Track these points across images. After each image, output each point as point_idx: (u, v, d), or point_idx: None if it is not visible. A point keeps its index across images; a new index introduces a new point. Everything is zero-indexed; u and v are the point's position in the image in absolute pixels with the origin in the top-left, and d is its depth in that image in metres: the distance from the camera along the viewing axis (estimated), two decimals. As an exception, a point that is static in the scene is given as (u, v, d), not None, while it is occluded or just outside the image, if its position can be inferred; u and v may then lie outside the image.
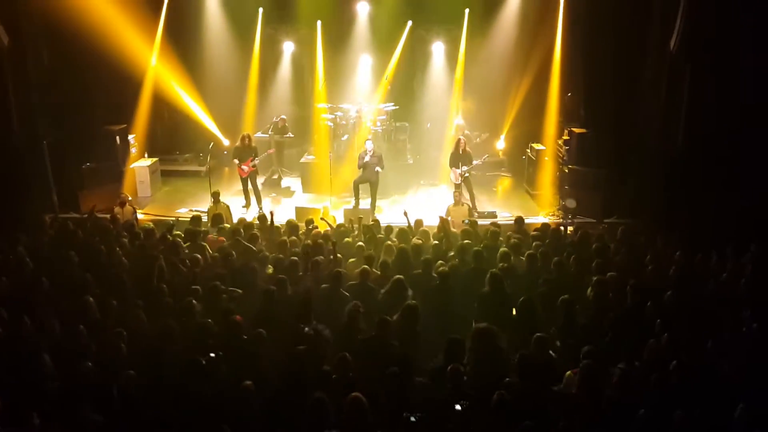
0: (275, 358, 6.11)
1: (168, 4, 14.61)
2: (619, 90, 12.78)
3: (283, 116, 15.15)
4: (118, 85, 13.75)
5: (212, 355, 5.95)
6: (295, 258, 8.18)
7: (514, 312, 7.07)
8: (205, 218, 11.12)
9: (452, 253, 8.63)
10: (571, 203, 12.43)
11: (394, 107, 15.03)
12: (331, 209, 12.12)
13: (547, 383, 5.67)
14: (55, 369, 5.90)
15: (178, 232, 9.61)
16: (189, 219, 10.38)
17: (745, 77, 10.97)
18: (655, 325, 6.61)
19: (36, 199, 12.13)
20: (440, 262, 8.18)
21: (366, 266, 7.76)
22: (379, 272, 7.96)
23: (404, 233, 9.58)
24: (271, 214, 10.20)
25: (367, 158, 12.63)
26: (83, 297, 6.95)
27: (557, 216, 12.40)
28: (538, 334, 6.08)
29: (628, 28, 12.42)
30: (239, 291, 7.63)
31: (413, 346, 6.35)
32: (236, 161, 12.94)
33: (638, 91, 12.72)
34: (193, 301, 6.97)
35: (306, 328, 6.45)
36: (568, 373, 5.79)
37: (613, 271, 7.83)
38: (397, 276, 7.41)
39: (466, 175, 12.69)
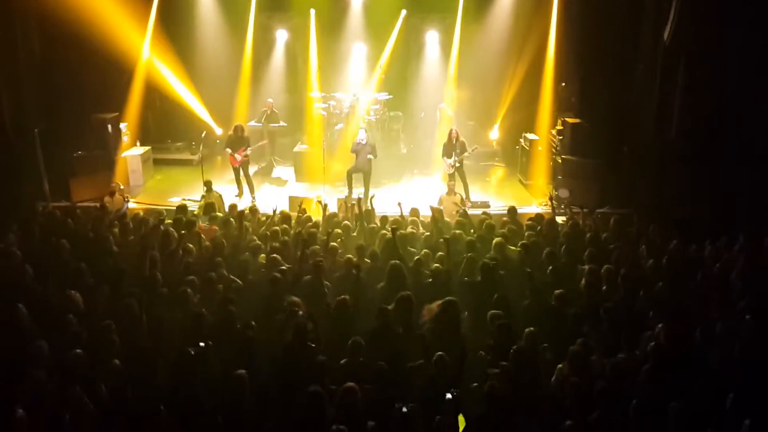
0: (271, 347, 6.10)
1: (160, -10, 14.47)
2: (613, 80, 12.78)
3: (270, 100, 15.09)
4: (109, 73, 13.63)
5: (202, 344, 5.93)
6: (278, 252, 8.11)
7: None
8: (193, 207, 11.06)
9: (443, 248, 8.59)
10: (564, 193, 12.45)
11: (388, 97, 14.98)
12: (325, 198, 12.06)
13: (538, 376, 5.68)
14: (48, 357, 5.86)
15: (170, 221, 9.56)
16: (175, 209, 10.27)
17: (738, 69, 10.96)
18: (647, 315, 6.64)
19: (27, 188, 12.02)
20: (426, 251, 8.16)
21: (352, 257, 7.74)
22: (369, 261, 7.95)
23: (398, 224, 9.54)
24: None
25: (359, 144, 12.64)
26: (73, 287, 6.91)
27: (549, 206, 12.38)
28: (530, 328, 6.07)
29: (622, 18, 12.42)
30: (239, 282, 7.49)
31: (407, 339, 6.32)
32: (228, 150, 12.92)
33: (632, 81, 12.71)
34: (188, 290, 6.94)
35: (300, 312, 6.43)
36: (560, 366, 5.80)
37: (605, 262, 7.83)
38: (394, 261, 7.36)
39: (458, 165, 12.65)
